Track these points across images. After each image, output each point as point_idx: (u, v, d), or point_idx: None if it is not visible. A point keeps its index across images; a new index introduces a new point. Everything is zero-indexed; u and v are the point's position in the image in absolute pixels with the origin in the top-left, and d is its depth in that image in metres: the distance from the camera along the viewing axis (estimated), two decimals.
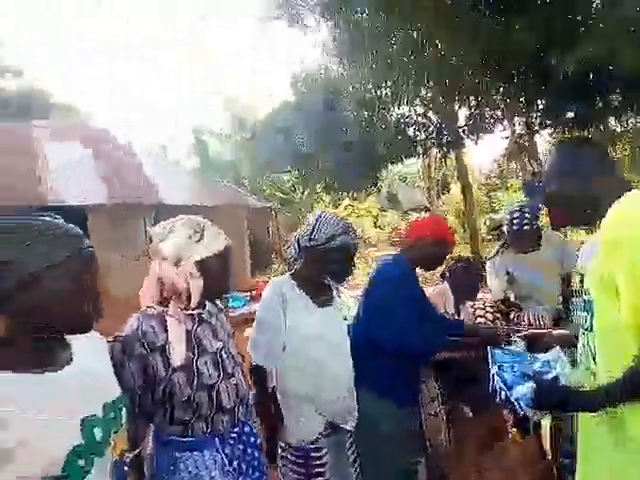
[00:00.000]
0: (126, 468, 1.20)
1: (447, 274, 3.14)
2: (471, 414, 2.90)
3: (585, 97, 6.14)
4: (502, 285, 3.16)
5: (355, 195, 14.09)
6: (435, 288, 3.32)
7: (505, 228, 3.15)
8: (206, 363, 1.58)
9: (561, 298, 3.15)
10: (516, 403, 1.40)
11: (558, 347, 1.63)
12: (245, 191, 14.55)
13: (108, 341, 1.46)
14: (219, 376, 1.59)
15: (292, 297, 2.04)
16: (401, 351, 2.15)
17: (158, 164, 11.98)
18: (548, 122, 7.16)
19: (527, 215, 3.05)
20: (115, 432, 1.17)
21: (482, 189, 19.52)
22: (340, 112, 9.93)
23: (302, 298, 2.07)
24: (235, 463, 1.61)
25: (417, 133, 9.06)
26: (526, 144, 8.45)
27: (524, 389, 1.39)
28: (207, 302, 1.73)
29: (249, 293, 8.21)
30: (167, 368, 1.52)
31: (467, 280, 2.99)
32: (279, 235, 13.61)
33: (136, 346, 1.51)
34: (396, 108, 8.24)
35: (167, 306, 1.60)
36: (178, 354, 1.53)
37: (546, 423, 2.92)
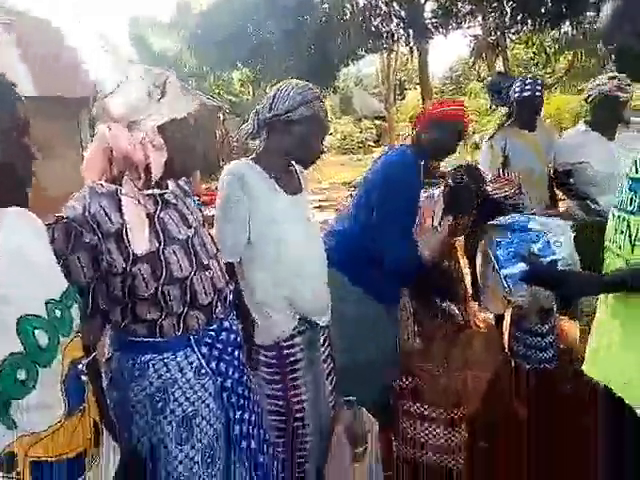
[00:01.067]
0: (83, 378, 0.95)
1: (448, 181, 2.36)
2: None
3: None
4: (495, 167, 2.73)
5: None
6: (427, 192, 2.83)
7: (514, 96, 2.83)
8: (175, 252, 1.29)
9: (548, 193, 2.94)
10: (504, 280, 1.44)
11: (567, 222, 1.61)
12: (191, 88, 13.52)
13: (47, 224, 1.14)
14: (192, 267, 1.32)
15: (254, 179, 1.71)
16: (391, 265, 2.08)
17: (95, 56, 10.80)
18: (519, 18, 6.73)
19: (539, 83, 2.80)
20: (66, 336, 0.90)
21: (437, 95, 19.09)
22: None
23: (267, 181, 1.75)
24: (213, 364, 1.39)
25: (383, 25, 8.34)
26: (494, 42, 8.04)
27: (514, 269, 1.40)
28: (170, 182, 1.42)
29: (198, 198, 7.85)
30: (126, 258, 1.23)
31: (469, 197, 2.25)
32: (227, 139, 12.91)
33: (84, 231, 1.19)
34: None
35: (120, 184, 1.27)
36: (139, 241, 1.22)
37: (507, 314, 2.93)
